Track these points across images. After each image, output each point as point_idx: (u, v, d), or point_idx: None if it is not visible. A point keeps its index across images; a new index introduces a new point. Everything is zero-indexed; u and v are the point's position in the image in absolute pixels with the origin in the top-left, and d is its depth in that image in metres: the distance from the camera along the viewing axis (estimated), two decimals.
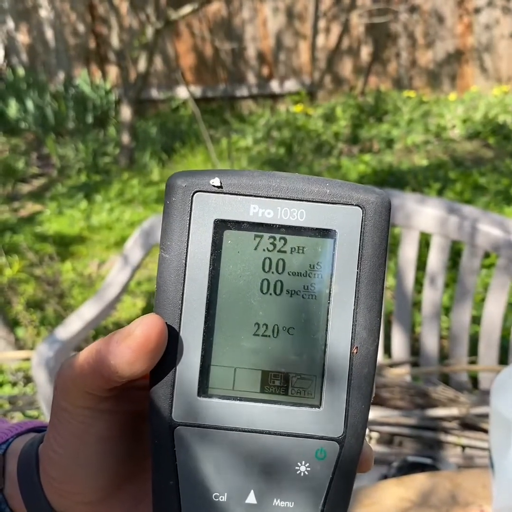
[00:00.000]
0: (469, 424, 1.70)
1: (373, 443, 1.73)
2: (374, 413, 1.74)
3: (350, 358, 0.36)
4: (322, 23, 6.27)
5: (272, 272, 0.36)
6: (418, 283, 2.51)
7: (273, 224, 0.36)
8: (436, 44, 6.04)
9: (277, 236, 0.36)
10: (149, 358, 0.35)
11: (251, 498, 0.36)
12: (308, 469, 0.36)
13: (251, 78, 6.65)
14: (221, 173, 0.37)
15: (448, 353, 1.94)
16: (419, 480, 1.20)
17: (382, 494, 1.18)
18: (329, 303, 0.36)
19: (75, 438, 0.38)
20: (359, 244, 0.36)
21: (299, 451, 0.36)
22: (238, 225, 0.37)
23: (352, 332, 0.36)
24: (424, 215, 1.83)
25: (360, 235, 0.36)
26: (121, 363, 0.34)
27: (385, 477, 1.56)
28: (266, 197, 0.36)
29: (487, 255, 2.56)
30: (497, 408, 1.00)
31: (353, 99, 6.12)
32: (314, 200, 0.36)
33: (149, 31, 4.99)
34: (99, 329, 2.92)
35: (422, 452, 1.67)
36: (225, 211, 0.37)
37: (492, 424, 1.02)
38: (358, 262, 0.36)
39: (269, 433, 0.36)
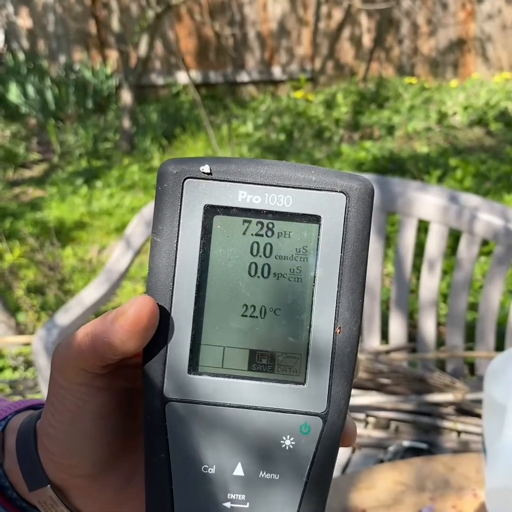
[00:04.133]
0: (465, 410, 1.72)
1: (370, 428, 1.75)
2: (371, 399, 1.76)
3: (333, 338, 0.37)
4: (324, 9, 6.23)
5: (260, 256, 0.38)
6: (416, 269, 2.52)
7: (261, 210, 0.38)
8: (439, 31, 6.01)
9: (265, 221, 0.38)
10: (141, 336, 0.36)
11: (239, 470, 0.38)
12: (293, 443, 0.38)
13: (252, 63, 6.62)
14: (211, 160, 0.38)
15: (445, 340, 1.96)
16: (414, 464, 1.22)
17: (377, 478, 1.19)
18: (314, 285, 0.38)
19: (72, 414, 0.39)
20: (343, 229, 0.37)
21: (285, 425, 0.38)
22: (227, 210, 0.38)
23: (335, 313, 0.37)
24: (424, 203, 1.83)
25: (344, 221, 0.37)
26: (114, 341, 0.36)
27: (380, 461, 1.58)
28: (254, 183, 0.38)
29: (485, 242, 2.57)
30: (490, 394, 1.02)
31: (355, 85, 6.09)
32: (300, 186, 0.38)
33: (150, 15, 4.96)
34: (99, 314, 2.93)
35: (418, 437, 1.68)
36: (214, 197, 0.38)
37: (486, 409, 1.04)
38: (341, 247, 0.37)
39: (256, 408, 0.38)
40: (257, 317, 0.38)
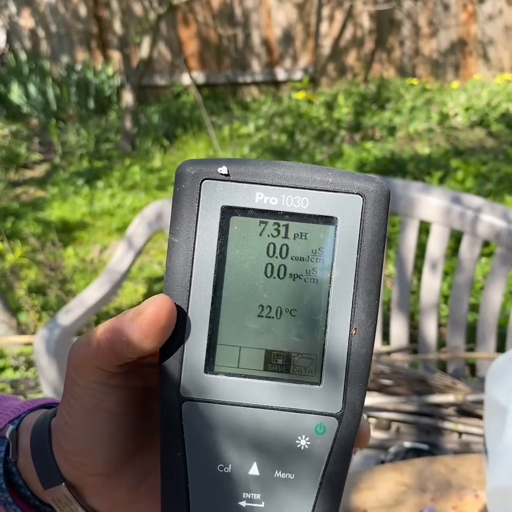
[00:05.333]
0: (466, 411, 1.72)
1: (371, 429, 1.75)
2: (372, 400, 1.76)
3: (349, 339, 0.38)
4: (325, 11, 6.24)
5: (276, 257, 0.38)
6: (418, 271, 2.52)
7: (277, 211, 0.38)
8: (440, 33, 6.01)
9: (281, 222, 0.38)
10: (159, 336, 0.36)
11: (254, 470, 0.38)
12: (308, 443, 0.38)
13: (255, 65, 6.63)
14: (228, 161, 0.38)
15: (446, 341, 1.96)
16: (415, 465, 1.22)
17: (379, 478, 1.20)
18: (330, 286, 0.38)
19: (87, 412, 0.40)
20: (359, 231, 0.38)
21: (300, 426, 0.38)
22: (244, 211, 0.38)
23: (351, 314, 0.38)
24: (426, 204, 1.84)
25: (360, 222, 0.38)
26: (132, 340, 0.36)
27: (382, 462, 1.58)
28: (271, 185, 0.38)
29: (486, 243, 2.57)
30: (492, 395, 1.02)
31: (356, 86, 6.10)
32: (316, 188, 0.38)
33: (152, 16, 4.96)
34: (101, 315, 2.94)
35: (420, 438, 1.68)
36: (232, 198, 0.38)
37: (487, 411, 1.04)
38: (358, 248, 0.38)
39: (272, 408, 0.38)
40: (273, 317, 0.38)
